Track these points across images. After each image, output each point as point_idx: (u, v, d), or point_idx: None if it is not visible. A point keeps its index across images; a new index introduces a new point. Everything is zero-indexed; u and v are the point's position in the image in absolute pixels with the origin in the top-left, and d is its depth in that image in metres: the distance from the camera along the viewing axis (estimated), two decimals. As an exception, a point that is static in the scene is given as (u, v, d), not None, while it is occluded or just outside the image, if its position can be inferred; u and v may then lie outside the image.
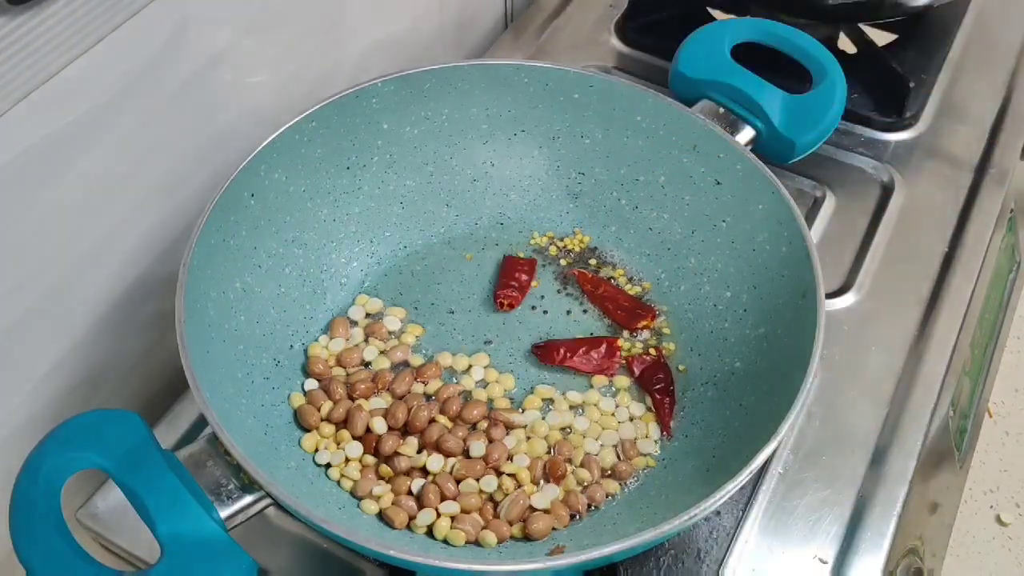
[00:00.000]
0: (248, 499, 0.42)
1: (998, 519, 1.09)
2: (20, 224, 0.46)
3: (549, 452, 0.52)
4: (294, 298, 0.56)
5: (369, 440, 0.51)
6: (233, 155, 0.53)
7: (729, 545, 0.50)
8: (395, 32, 0.70)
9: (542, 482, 0.51)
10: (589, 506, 0.50)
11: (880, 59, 0.72)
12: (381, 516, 0.49)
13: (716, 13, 0.78)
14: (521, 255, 0.61)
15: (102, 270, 0.54)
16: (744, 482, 0.41)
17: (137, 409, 0.46)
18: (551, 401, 0.54)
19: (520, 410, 0.53)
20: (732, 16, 0.74)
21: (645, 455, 0.52)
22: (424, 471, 0.50)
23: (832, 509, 0.51)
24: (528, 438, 0.52)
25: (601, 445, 0.52)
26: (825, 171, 0.68)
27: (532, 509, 0.49)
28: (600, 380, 0.55)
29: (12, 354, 0.50)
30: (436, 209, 0.62)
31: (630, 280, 0.59)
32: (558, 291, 0.59)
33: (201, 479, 0.42)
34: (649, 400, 0.54)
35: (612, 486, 0.51)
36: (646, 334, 0.57)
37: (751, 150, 0.55)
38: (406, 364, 0.56)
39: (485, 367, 0.55)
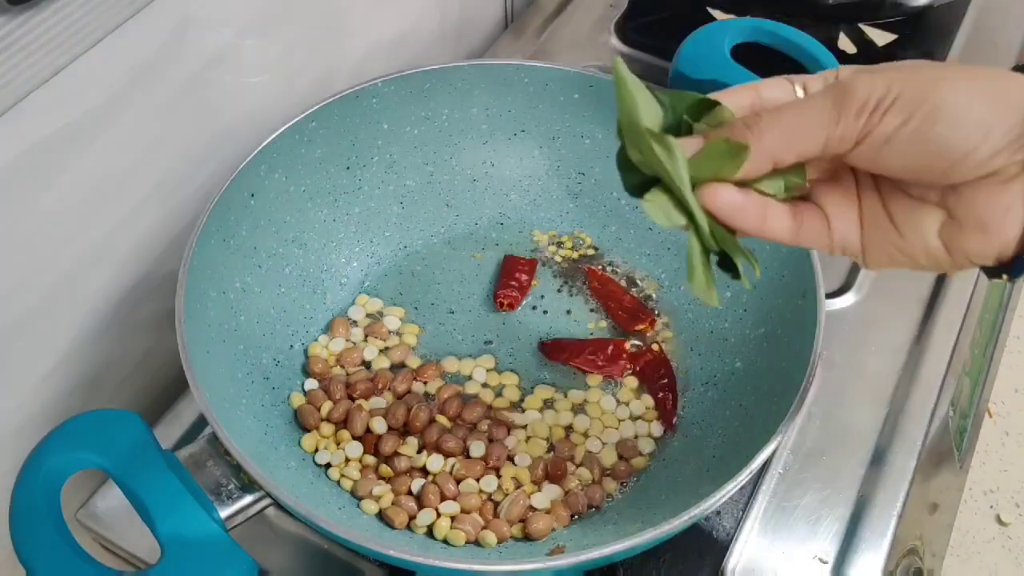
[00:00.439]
0: (248, 499, 0.42)
1: (998, 519, 1.09)
2: (20, 224, 0.46)
3: (550, 451, 0.52)
4: (294, 298, 0.56)
5: (369, 440, 0.51)
6: (233, 155, 0.53)
7: (729, 545, 0.50)
8: (395, 32, 0.70)
9: (544, 482, 0.51)
10: (589, 506, 0.50)
11: (880, 59, 0.72)
12: (381, 516, 0.49)
13: (716, 13, 0.78)
14: (522, 258, 0.61)
15: (102, 270, 0.53)
16: (744, 482, 0.41)
17: (137, 409, 0.46)
18: (552, 401, 0.54)
19: (520, 410, 0.53)
20: (732, 16, 0.74)
21: (646, 455, 0.52)
22: (424, 471, 0.50)
23: (832, 509, 0.51)
24: (528, 438, 0.52)
25: (602, 444, 0.52)
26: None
27: (532, 509, 0.49)
28: (600, 379, 0.55)
29: (12, 354, 0.50)
30: (436, 209, 0.62)
31: (632, 282, 0.59)
32: (558, 291, 0.59)
33: (201, 479, 0.42)
34: (650, 399, 0.54)
35: (612, 486, 0.51)
36: (648, 332, 0.57)
37: (751, 150, 0.55)
38: (406, 364, 0.56)
39: (488, 370, 0.55)
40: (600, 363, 0.55)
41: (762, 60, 0.61)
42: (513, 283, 0.58)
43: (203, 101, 0.55)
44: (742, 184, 0.34)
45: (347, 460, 0.51)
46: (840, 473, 0.53)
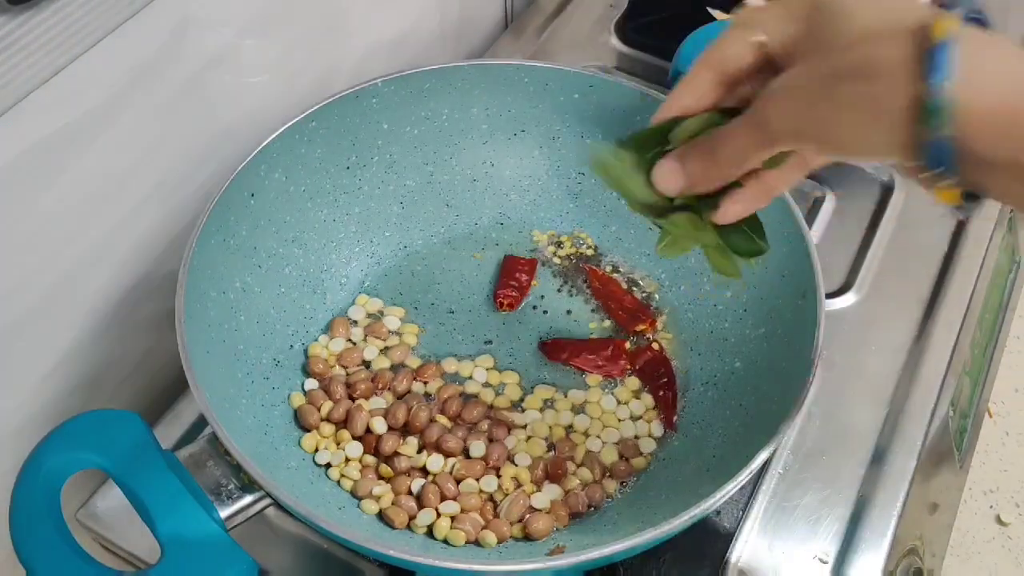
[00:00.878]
0: (248, 499, 0.42)
1: (998, 519, 1.09)
2: (20, 224, 0.46)
3: (550, 451, 0.52)
4: (294, 298, 0.56)
5: (369, 440, 0.51)
6: (233, 155, 0.53)
7: (729, 545, 0.50)
8: (395, 32, 0.70)
9: (544, 482, 0.51)
10: (589, 506, 0.50)
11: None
12: (381, 516, 0.49)
13: (716, 13, 0.78)
14: (522, 258, 0.60)
15: (102, 270, 0.53)
16: (744, 482, 0.41)
17: (137, 409, 0.46)
18: (552, 401, 0.54)
19: (520, 410, 0.53)
20: (732, 16, 0.74)
21: (646, 454, 0.52)
22: (424, 471, 0.50)
23: (832, 509, 0.51)
24: (528, 438, 0.52)
25: (603, 444, 0.52)
26: (825, 171, 0.68)
27: (532, 509, 0.49)
28: (600, 379, 0.55)
29: (12, 354, 0.50)
30: (436, 209, 0.61)
31: (632, 282, 0.59)
32: (558, 291, 0.59)
33: (201, 479, 0.42)
34: (650, 399, 0.54)
35: (612, 486, 0.51)
36: (648, 332, 0.57)
37: (751, 150, 0.55)
38: (406, 364, 0.56)
39: (488, 369, 0.55)
40: (600, 363, 0.55)
41: (762, 60, 0.60)
42: (513, 283, 0.58)
43: (203, 101, 0.55)
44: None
45: (347, 460, 0.51)
46: (840, 473, 0.53)
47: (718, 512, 0.51)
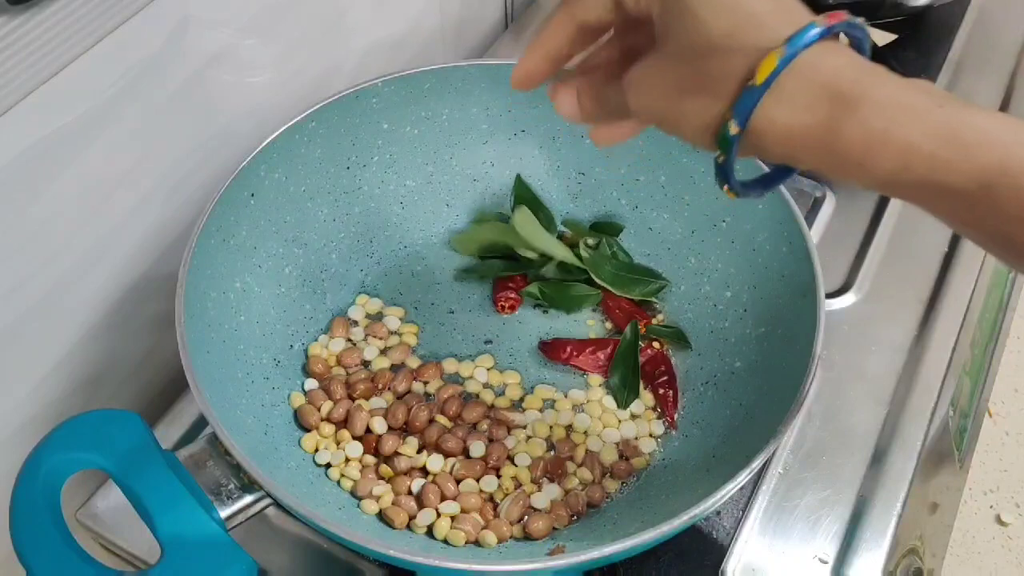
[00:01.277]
0: (248, 499, 0.42)
1: (998, 519, 1.09)
2: (20, 224, 0.46)
3: (551, 451, 0.52)
4: (294, 298, 0.56)
5: (369, 440, 0.51)
6: (233, 155, 0.53)
7: (729, 545, 0.50)
8: (395, 32, 0.70)
9: (544, 481, 0.51)
10: (589, 506, 0.50)
11: (880, 59, 0.72)
12: (381, 516, 0.49)
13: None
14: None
15: (102, 270, 0.53)
16: (744, 482, 0.41)
17: (137, 409, 0.46)
18: (552, 401, 0.54)
19: (521, 410, 0.53)
20: None
21: (646, 454, 0.52)
22: (424, 471, 0.50)
23: (832, 509, 0.51)
24: (528, 438, 0.52)
25: (603, 443, 0.52)
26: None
27: (532, 509, 0.49)
28: (601, 379, 0.55)
29: (13, 354, 0.50)
30: (436, 209, 0.61)
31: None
32: (558, 291, 0.59)
33: (201, 479, 0.42)
34: (650, 398, 0.54)
35: (612, 485, 0.51)
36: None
37: (751, 150, 0.55)
38: (406, 364, 0.56)
39: (489, 368, 0.55)
40: (601, 363, 0.55)
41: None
42: (512, 285, 0.58)
43: (203, 101, 0.55)
44: None
45: (347, 460, 0.51)
46: (840, 473, 0.53)
47: (718, 512, 0.51)
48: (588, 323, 0.58)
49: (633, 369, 0.54)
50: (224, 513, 0.42)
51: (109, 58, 0.46)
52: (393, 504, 0.49)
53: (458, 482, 0.50)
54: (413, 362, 0.56)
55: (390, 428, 0.52)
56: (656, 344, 0.56)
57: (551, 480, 0.50)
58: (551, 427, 0.53)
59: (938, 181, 0.30)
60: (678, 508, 0.40)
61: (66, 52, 0.44)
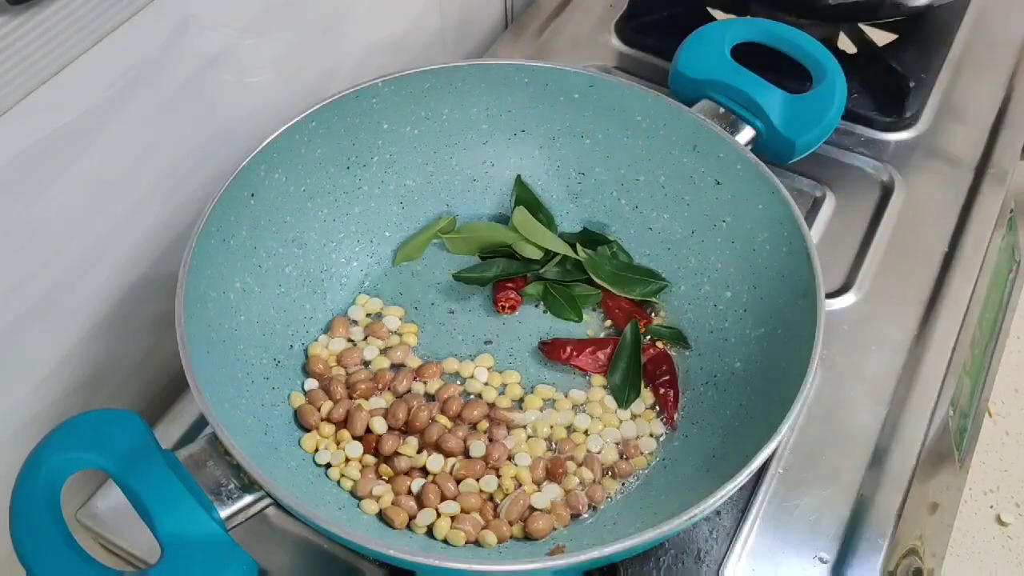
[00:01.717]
0: (248, 499, 0.42)
1: (998, 519, 1.09)
2: (20, 224, 0.46)
3: (552, 450, 0.52)
4: (294, 298, 0.56)
5: (369, 440, 0.51)
6: (233, 155, 0.53)
7: (729, 545, 0.50)
8: (395, 32, 0.70)
9: (544, 481, 0.51)
10: (589, 506, 0.50)
11: (880, 59, 0.72)
12: (381, 516, 0.49)
13: (716, 13, 0.78)
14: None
15: (102, 270, 0.54)
16: (744, 482, 0.41)
17: (137, 409, 0.46)
18: (552, 401, 0.54)
19: (521, 410, 0.53)
20: (732, 16, 0.74)
21: (646, 454, 0.52)
22: (424, 471, 0.50)
23: (832, 509, 0.51)
24: (528, 438, 0.52)
25: (603, 442, 0.52)
26: (825, 171, 0.68)
27: (532, 509, 0.49)
28: (601, 379, 0.55)
29: (13, 354, 0.50)
30: (436, 209, 0.62)
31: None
32: (558, 291, 0.59)
33: (201, 479, 0.42)
34: (650, 398, 0.54)
35: (612, 485, 0.51)
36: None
37: (751, 150, 0.55)
38: (406, 364, 0.56)
39: (490, 368, 0.55)
40: (601, 363, 0.55)
41: (762, 60, 0.61)
42: (511, 285, 0.58)
43: (203, 101, 0.55)
44: None
45: (347, 460, 0.51)
46: (840, 473, 0.53)
47: (718, 512, 0.51)
48: (588, 323, 0.58)
49: (635, 368, 0.54)
50: (224, 513, 0.42)
51: (109, 58, 0.46)
52: (393, 504, 0.49)
53: (458, 482, 0.50)
54: (413, 362, 0.56)
55: (390, 428, 0.52)
56: (658, 344, 0.56)
57: (551, 480, 0.50)
58: (551, 427, 0.53)
59: None
60: (678, 508, 0.40)
61: (66, 52, 0.44)
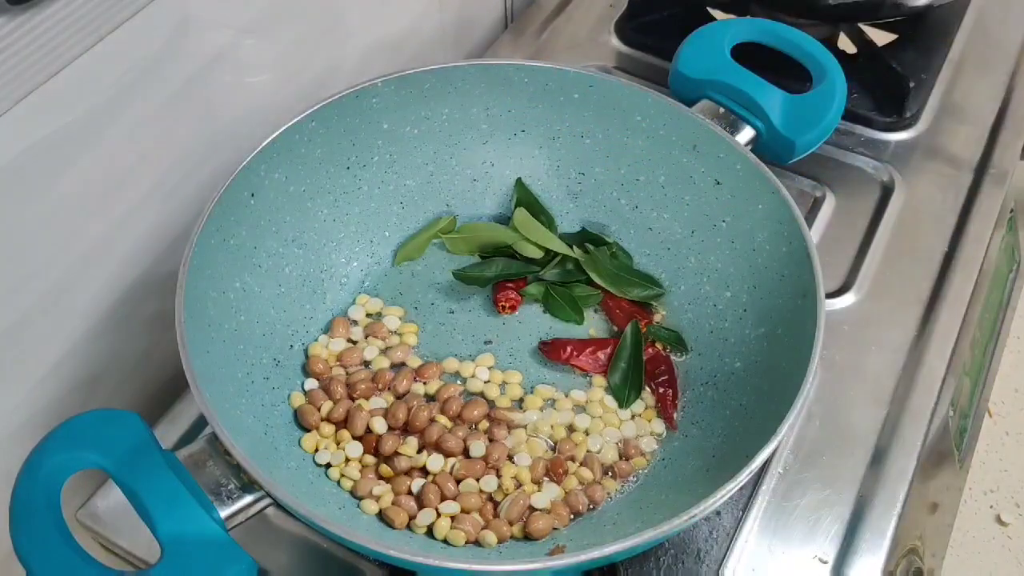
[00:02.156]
0: (248, 499, 0.42)
1: (998, 519, 1.09)
2: (20, 224, 0.46)
3: (552, 449, 0.52)
4: (294, 298, 0.56)
5: (369, 440, 0.51)
6: (233, 155, 0.53)
7: (729, 545, 0.50)
8: (395, 32, 0.70)
9: (544, 481, 0.51)
10: (590, 505, 0.50)
11: (880, 59, 0.72)
12: (381, 516, 0.49)
13: (716, 13, 0.78)
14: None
15: (102, 270, 0.54)
16: (744, 482, 0.41)
17: (137, 409, 0.46)
18: (553, 400, 0.54)
19: (521, 410, 0.53)
20: (732, 16, 0.74)
21: (646, 454, 0.52)
22: (424, 471, 0.50)
23: (832, 509, 0.51)
24: (529, 438, 0.52)
25: (604, 442, 0.52)
26: (825, 171, 0.68)
27: (532, 509, 0.49)
28: (602, 379, 0.55)
29: (12, 354, 0.50)
30: (436, 209, 0.62)
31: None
32: (558, 291, 0.59)
33: (201, 479, 0.42)
34: (651, 398, 0.54)
35: (613, 485, 0.51)
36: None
37: (751, 150, 0.55)
38: (406, 364, 0.56)
39: (491, 368, 0.55)
40: (601, 363, 0.55)
41: (762, 60, 0.61)
42: (511, 285, 0.58)
43: (203, 101, 0.55)
44: None
45: (347, 460, 0.51)
46: (840, 473, 0.53)
47: (718, 512, 0.51)
48: (588, 323, 0.58)
49: (636, 368, 0.54)
50: (224, 513, 0.42)
51: (109, 58, 0.46)
52: (393, 504, 0.49)
53: (458, 482, 0.50)
54: (413, 362, 0.56)
55: (390, 428, 0.52)
56: (657, 344, 0.56)
57: (551, 480, 0.50)
58: (552, 426, 0.53)
59: None
60: (678, 508, 0.40)
61: (66, 52, 0.44)
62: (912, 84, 0.70)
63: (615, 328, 0.57)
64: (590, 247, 0.59)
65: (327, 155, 0.56)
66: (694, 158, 0.56)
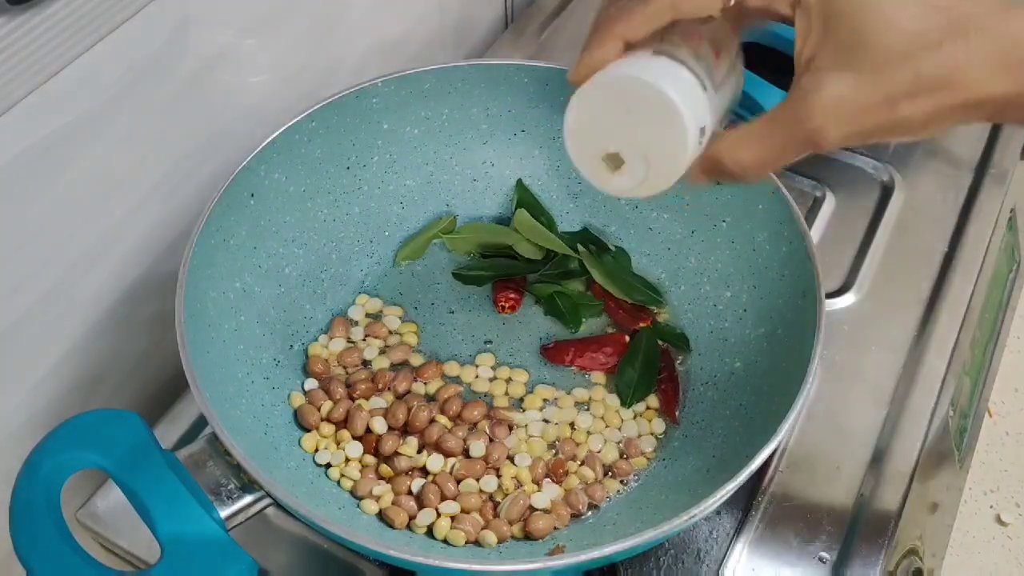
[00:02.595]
0: (248, 499, 0.42)
1: (998, 519, 1.09)
2: (20, 224, 0.46)
3: (554, 448, 0.52)
4: (294, 298, 0.56)
5: (369, 440, 0.51)
6: (233, 155, 0.53)
7: (729, 545, 0.50)
8: (395, 32, 0.70)
9: (544, 481, 0.51)
10: (590, 505, 0.50)
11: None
12: (381, 516, 0.49)
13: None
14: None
15: (102, 270, 0.54)
16: (744, 482, 0.41)
17: (137, 409, 0.46)
18: (554, 400, 0.54)
19: (521, 410, 0.53)
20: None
21: (647, 453, 0.52)
22: (424, 471, 0.50)
23: (832, 509, 0.51)
24: (529, 437, 0.52)
25: (604, 441, 0.52)
26: (825, 171, 0.68)
27: (532, 509, 0.49)
28: (602, 377, 0.55)
29: (12, 354, 0.50)
30: (436, 209, 0.61)
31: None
32: (558, 291, 0.59)
33: (201, 479, 0.42)
34: (652, 398, 0.54)
35: (613, 485, 0.51)
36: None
37: (751, 150, 0.55)
38: (406, 363, 0.56)
39: (492, 367, 0.55)
40: (602, 361, 0.55)
41: (762, 60, 0.61)
42: (511, 285, 0.58)
43: (203, 101, 0.55)
44: None
45: (347, 460, 0.51)
46: (840, 473, 0.53)
47: (718, 512, 0.51)
48: (589, 324, 0.58)
49: (647, 371, 0.54)
50: (224, 513, 0.42)
51: (109, 58, 0.46)
52: (393, 504, 0.49)
53: (458, 482, 0.50)
54: (414, 360, 0.56)
55: (390, 428, 0.52)
56: (660, 342, 0.56)
57: (551, 480, 0.50)
58: (555, 425, 0.53)
59: None
60: (678, 508, 0.40)
61: (66, 52, 0.44)
62: (912, 84, 0.70)
63: (617, 327, 0.57)
64: (592, 248, 0.59)
65: (327, 155, 0.56)
66: (694, 158, 0.56)
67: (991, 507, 1.10)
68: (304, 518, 0.40)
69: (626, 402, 0.53)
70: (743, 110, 0.58)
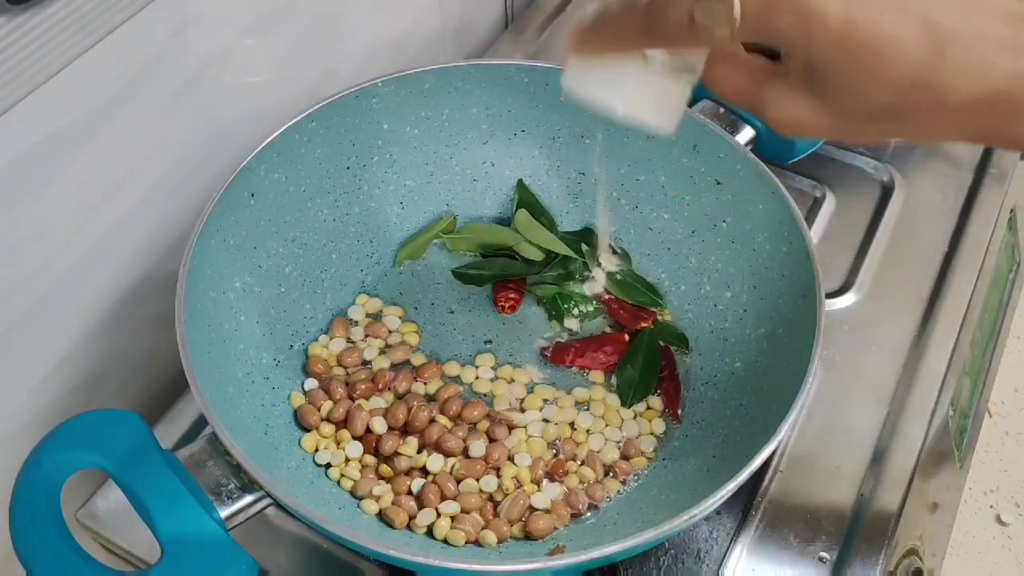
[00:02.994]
0: (248, 499, 0.42)
1: (998, 519, 1.09)
2: (20, 224, 0.46)
3: (554, 448, 0.52)
4: (294, 298, 0.56)
5: (369, 440, 0.51)
6: (233, 155, 0.53)
7: (729, 545, 0.50)
8: (395, 32, 0.70)
9: (544, 481, 0.51)
10: (590, 505, 0.50)
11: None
12: (381, 516, 0.49)
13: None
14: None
15: (102, 270, 0.54)
16: (744, 482, 0.41)
17: (137, 409, 0.46)
18: (554, 399, 0.54)
19: (521, 410, 0.53)
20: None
21: (647, 453, 0.52)
22: (424, 471, 0.50)
23: (832, 509, 0.51)
24: (529, 437, 0.52)
25: (604, 441, 0.52)
26: (825, 171, 0.68)
27: (532, 509, 0.49)
28: (601, 375, 0.55)
29: (13, 354, 0.50)
30: (436, 209, 0.61)
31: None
32: (558, 291, 0.59)
33: (201, 479, 0.42)
34: (652, 398, 0.54)
35: (613, 485, 0.51)
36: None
37: (751, 150, 0.55)
38: (406, 363, 0.56)
39: (493, 367, 0.55)
40: (602, 360, 0.55)
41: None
42: (511, 285, 0.58)
43: (203, 101, 0.55)
44: None
45: (347, 460, 0.51)
46: (840, 473, 0.53)
47: (718, 512, 0.51)
48: (590, 324, 0.58)
49: (648, 371, 0.54)
50: (224, 513, 0.42)
51: (109, 58, 0.46)
52: (393, 504, 0.49)
53: (458, 482, 0.50)
54: (415, 360, 0.56)
55: (390, 428, 0.52)
56: (660, 341, 0.56)
57: (551, 479, 0.50)
58: (553, 426, 0.53)
59: None
60: (678, 508, 0.40)
61: (66, 52, 0.44)
62: (912, 84, 0.70)
63: (617, 326, 0.57)
64: (593, 248, 0.59)
65: (327, 155, 0.56)
66: (694, 158, 0.56)
67: (991, 507, 1.10)
68: (304, 518, 0.40)
69: (626, 402, 0.53)
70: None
